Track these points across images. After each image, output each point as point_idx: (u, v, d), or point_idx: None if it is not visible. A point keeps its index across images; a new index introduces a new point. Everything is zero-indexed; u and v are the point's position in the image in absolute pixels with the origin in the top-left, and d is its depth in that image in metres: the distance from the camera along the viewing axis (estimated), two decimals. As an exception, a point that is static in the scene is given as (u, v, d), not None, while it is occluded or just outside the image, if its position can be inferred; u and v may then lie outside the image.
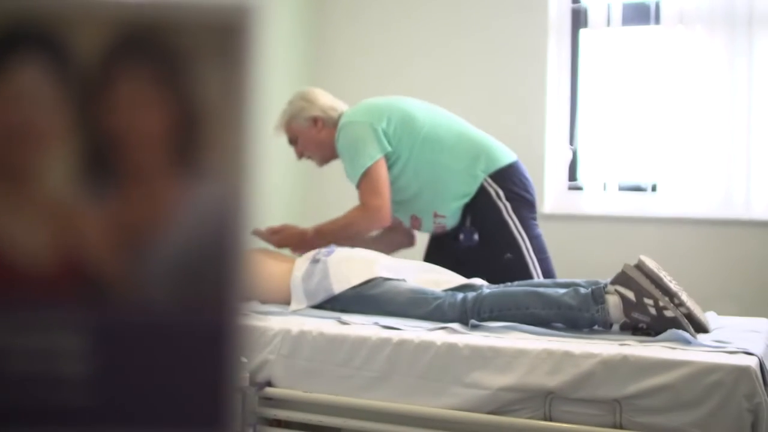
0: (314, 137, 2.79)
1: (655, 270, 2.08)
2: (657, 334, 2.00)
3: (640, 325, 2.05)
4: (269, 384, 2.10)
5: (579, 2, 3.72)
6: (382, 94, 2.95)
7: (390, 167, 2.68)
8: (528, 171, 2.84)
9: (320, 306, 2.39)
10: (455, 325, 2.12)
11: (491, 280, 2.45)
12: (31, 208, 0.40)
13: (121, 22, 0.41)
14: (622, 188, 3.62)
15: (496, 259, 2.67)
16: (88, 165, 0.41)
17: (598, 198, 3.62)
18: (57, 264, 0.41)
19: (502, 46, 3.80)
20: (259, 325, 2.17)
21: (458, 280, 2.44)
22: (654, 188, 3.56)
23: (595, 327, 2.12)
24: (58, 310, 0.41)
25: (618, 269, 2.12)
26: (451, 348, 1.96)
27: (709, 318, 2.18)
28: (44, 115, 0.40)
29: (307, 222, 2.92)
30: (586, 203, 3.64)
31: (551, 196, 3.71)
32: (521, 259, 2.68)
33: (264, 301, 2.45)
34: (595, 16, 3.65)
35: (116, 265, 0.41)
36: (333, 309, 2.37)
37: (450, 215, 2.72)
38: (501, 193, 2.69)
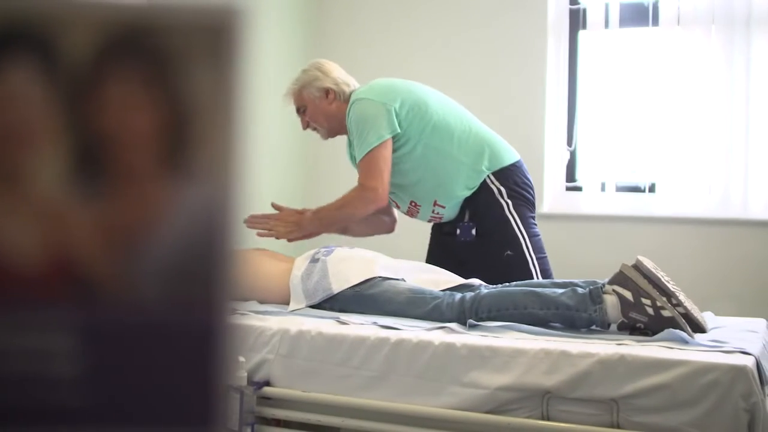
0: (324, 109, 2.77)
1: (653, 270, 2.09)
2: (654, 333, 2.01)
3: (638, 325, 2.06)
4: (268, 383, 2.11)
5: (578, 3, 3.72)
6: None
7: (397, 149, 2.67)
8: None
9: (319, 306, 2.40)
10: (453, 325, 2.12)
11: (491, 277, 2.45)
12: (22, 209, 0.41)
13: (111, 23, 0.41)
14: (620, 188, 3.63)
15: (496, 256, 2.68)
16: (79, 165, 0.41)
17: (596, 198, 3.63)
18: (48, 264, 0.41)
19: (501, 47, 3.81)
20: (257, 325, 2.17)
21: (457, 280, 2.44)
22: (652, 188, 3.56)
23: (593, 327, 2.13)
24: (48, 310, 0.41)
25: (616, 269, 2.12)
26: (449, 348, 1.96)
27: (707, 318, 2.18)
28: (35, 116, 0.40)
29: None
30: (585, 203, 3.65)
31: (549, 196, 3.71)
32: (521, 257, 2.68)
33: (263, 301, 2.46)
34: (593, 17, 3.66)
35: (107, 264, 0.42)
36: (332, 309, 2.37)
37: (450, 206, 2.72)
38: (503, 190, 2.69)
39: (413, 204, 2.78)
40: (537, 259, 2.71)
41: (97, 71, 0.41)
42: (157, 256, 0.42)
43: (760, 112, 3.39)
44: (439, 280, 2.44)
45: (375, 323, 2.17)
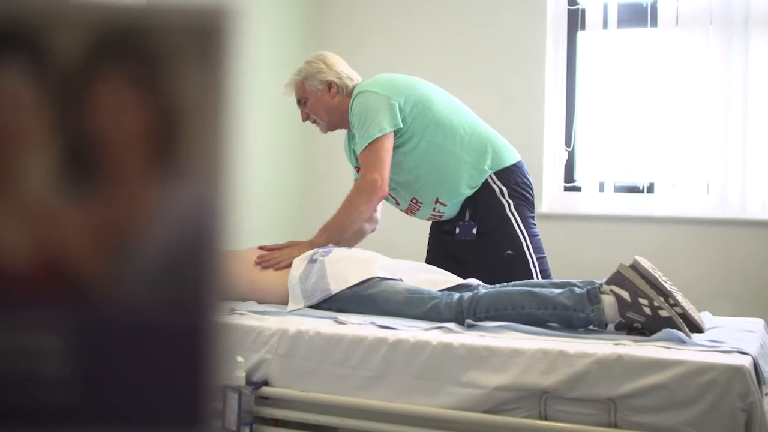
0: (326, 102, 2.75)
1: (650, 270, 2.09)
2: (652, 333, 2.01)
3: (635, 325, 2.06)
4: (266, 383, 2.11)
5: (576, 4, 3.72)
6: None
7: (400, 145, 2.66)
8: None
9: (317, 306, 2.40)
10: (451, 325, 2.12)
11: (491, 277, 2.45)
12: (12, 209, 0.41)
13: (101, 24, 0.41)
14: (618, 188, 3.64)
15: (497, 256, 2.68)
16: (68, 166, 0.41)
17: (595, 198, 3.63)
18: (37, 264, 0.41)
19: (500, 48, 3.81)
20: (255, 325, 2.18)
21: (455, 280, 2.44)
22: (650, 188, 3.57)
23: (591, 327, 2.13)
24: (38, 310, 0.42)
25: (613, 269, 2.12)
26: (447, 347, 1.97)
27: (704, 318, 2.19)
28: (24, 117, 0.40)
29: (306, 222, 2.92)
30: (583, 203, 3.65)
31: (548, 196, 3.72)
32: (522, 257, 2.68)
33: (261, 301, 2.46)
34: (591, 18, 3.67)
35: (96, 265, 0.42)
36: (330, 309, 2.37)
37: (451, 205, 2.72)
38: (505, 190, 2.70)
39: (414, 201, 2.77)
40: (537, 259, 2.71)
41: (87, 72, 0.41)
42: (146, 257, 0.43)
43: (758, 112, 3.40)
44: (437, 280, 2.44)
45: (373, 323, 2.17)
